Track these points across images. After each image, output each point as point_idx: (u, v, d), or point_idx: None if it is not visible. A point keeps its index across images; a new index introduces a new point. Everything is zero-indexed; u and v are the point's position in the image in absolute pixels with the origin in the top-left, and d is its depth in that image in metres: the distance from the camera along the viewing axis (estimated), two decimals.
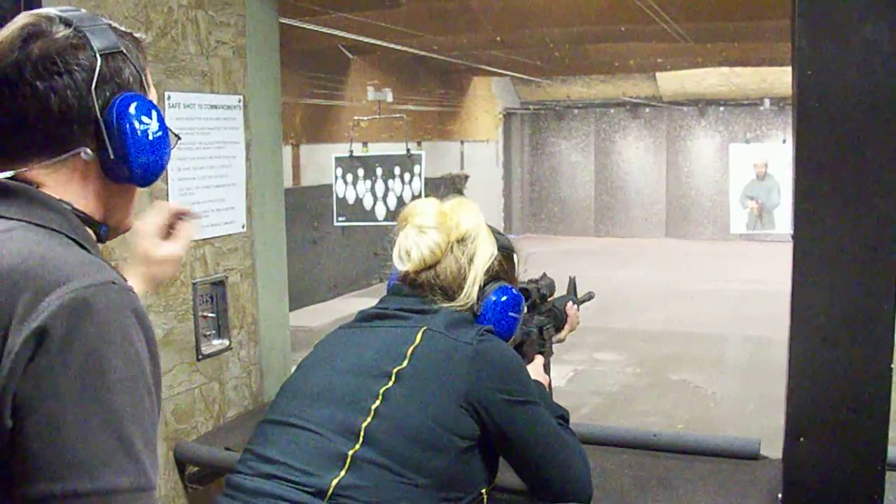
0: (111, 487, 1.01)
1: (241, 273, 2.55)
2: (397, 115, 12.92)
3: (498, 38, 11.01)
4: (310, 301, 11.45)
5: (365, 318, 1.85)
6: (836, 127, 1.56)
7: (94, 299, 1.06)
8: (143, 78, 1.28)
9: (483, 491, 1.74)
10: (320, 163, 11.08)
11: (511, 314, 1.87)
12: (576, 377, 8.28)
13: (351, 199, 6.84)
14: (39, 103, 1.16)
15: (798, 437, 1.66)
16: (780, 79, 15.11)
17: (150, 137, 1.24)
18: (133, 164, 1.23)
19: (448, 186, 14.99)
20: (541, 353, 2.14)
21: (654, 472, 2.14)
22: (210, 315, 2.45)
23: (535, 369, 2.03)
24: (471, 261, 1.84)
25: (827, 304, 1.60)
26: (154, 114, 1.25)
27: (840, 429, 1.63)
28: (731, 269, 14.75)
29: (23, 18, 1.20)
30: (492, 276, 1.87)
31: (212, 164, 2.42)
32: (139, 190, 1.33)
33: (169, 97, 2.25)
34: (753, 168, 13.22)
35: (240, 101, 2.50)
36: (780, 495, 1.72)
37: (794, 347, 1.65)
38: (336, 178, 6.62)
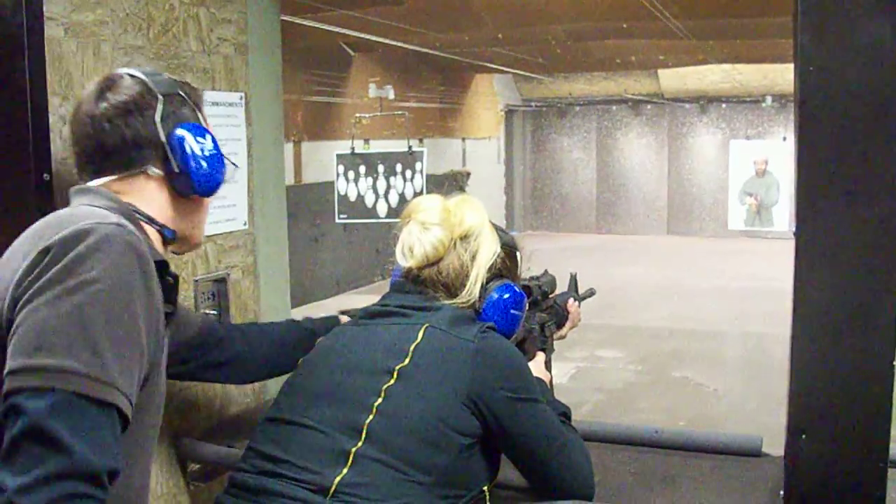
0: (66, 367, 1.23)
1: (243, 270, 2.55)
2: (399, 113, 12.90)
3: (500, 35, 11.00)
4: (312, 298, 11.45)
5: (367, 315, 1.85)
6: (839, 123, 1.56)
7: (95, 230, 1.36)
8: (199, 115, 1.66)
9: (485, 488, 1.74)
10: (322, 160, 11.08)
11: (513, 311, 1.87)
12: (578, 374, 8.28)
13: (353, 197, 6.85)
14: (116, 134, 1.54)
15: (800, 434, 1.66)
16: (781, 75, 15.12)
17: (206, 154, 1.60)
18: (193, 177, 1.59)
19: (452, 185, 15.00)
20: (542, 350, 2.14)
21: (655, 469, 2.14)
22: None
23: (536, 366, 2.03)
24: (473, 258, 1.83)
25: (829, 300, 1.60)
26: (208, 136, 1.62)
27: (842, 426, 1.63)
28: (733, 266, 14.75)
29: (100, 78, 1.62)
30: (495, 273, 1.87)
31: None
32: (206, 208, 1.70)
33: None
34: (753, 165, 13.20)
35: (241, 99, 2.50)
36: (781, 492, 1.72)
37: (795, 344, 1.64)
38: (338, 175, 6.62)
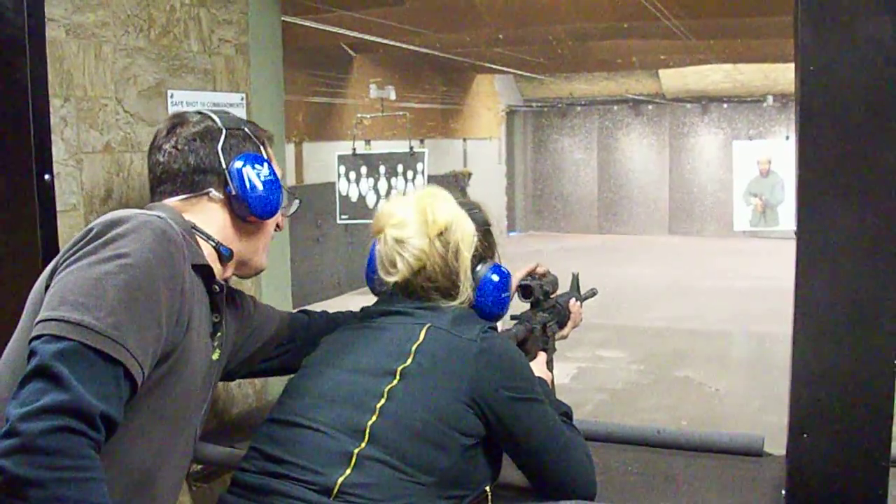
0: (83, 321, 1.35)
1: None
2: (400, 113, 12.90)
3: (501, 36, 11.00)
4: (313, 299, 11.45)
5: (369, 315, 1.85)
6: (840, 123, 1.56)
7: (135, 217, 1.52)
8: (263, 149, 1.83)
9: (487, 488, 1.74)
10: (323, 161, 11.09)
11: (503, 295, 1.87)
12: (580, 374, 8.28)
13: (354, 197, 6.84)
14: (182, 161, 1.73)
15: (802, 434, 1.66)
16: (783, 75, 15.10)
17: (262, 178, 1.76)
18: (248, 199, 1.74)
19: (453, 185, 14.99)
20: (544, 349, 2.14)
21: (657, 468, 2.13)
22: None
23: (538, 366, 2.02)
24: (456, 253, 1.80)
25: (830, 300, 1.60)
26: (265, 164, 1.79)
27: (844, 425, 1.62)
28: (735, 266, 14.74)
29: (172, 115, 1.85)
30: (478, 256, 1.86)
31: None
32: (267, 233, 1.85)
33: (171, 95, 2.25)
34: (757, 165, 13.19)
35: (242, 100, 2.50)
36: (783, 492, 1.72)
37: (797, 344, 1.64)
38: (339, 175, 6.62)
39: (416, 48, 12.00)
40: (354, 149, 6.68)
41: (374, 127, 12.60)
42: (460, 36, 11.17)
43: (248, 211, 1.75)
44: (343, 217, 6.55)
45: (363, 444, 1.63)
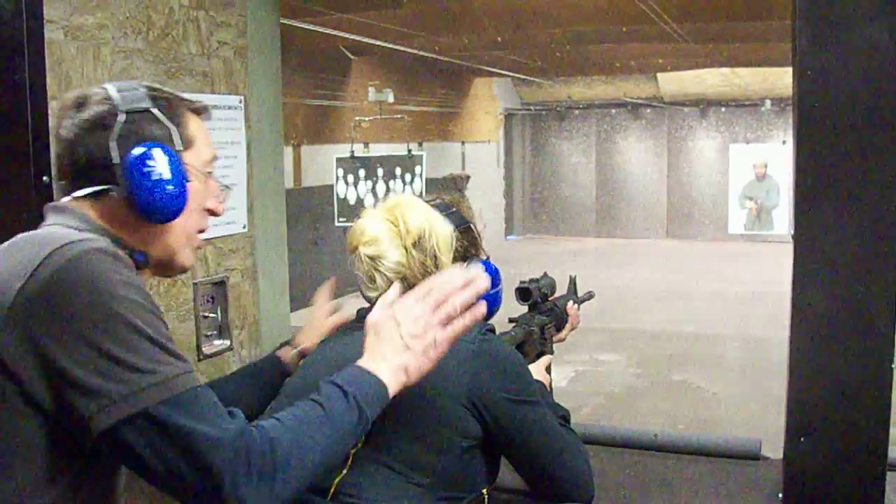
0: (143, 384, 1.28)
1: (243, 273, 2.54)
2: (398, 116, 12.93)
3: (499, 39, 11.01)
4: (311, 302, 11.44)
5: (365, 316, 1.84)
6: (837, 127, 1.56)
7: (62, 254, 1.31)
8: (175, 133, 1.54)
9: (484, 490, 1.74)
10: (321, 163, 11.09)
11: (492, 290, 1.83)
12: (577, 377, 8.28)
13: (352, 200, 6.86)
14: (79, 153, 1.49)
15: (799, 437, 1.66)
16: (780, 79, 15.13)
17: (154, 178, 1.48)
18: (140, 202, 1.48)
19: (451, 188, 14.99)
20: (542, 352, 2.14)
21: (654, 472, 2.14)
22: (211, 315, 2.44)
23: (536, 369, 2.02)
24: (436, 258, 1.77)
25: (827, 303, 1.60)
26: (165, 159, 1.50)
27: (841, 428, 1.63)
28: (733, 270, 14.76)
29: (78, 93, 1.54)
30: (460, 257, 1.83)
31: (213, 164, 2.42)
32: (182, 230, 1.57)
33: None
34: (753, 168, 13.18)
35: (241, 102, 2.50)
36: (780, 495, 1.72)
37: (794, 347, 1.65)
38: (337, 178, 6.62)
39: (415, 51, 12.01)
40: (353, 152, 6.68)
41: (372, 130, 12.62)
42: (459, 39, 11.18)
43: (142, 214, 1.50)
44: (341, 220, 6.55)
45: (360, 445, 1.63)
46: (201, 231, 1.62)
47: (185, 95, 1.60)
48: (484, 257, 1.90)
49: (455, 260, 1.80)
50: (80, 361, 1.25)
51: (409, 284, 1.74)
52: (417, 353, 1.55)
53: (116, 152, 1.47)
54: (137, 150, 1.48)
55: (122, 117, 1.49)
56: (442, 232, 1.79)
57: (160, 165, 1.49)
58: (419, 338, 1.55)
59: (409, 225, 1.77)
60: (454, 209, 1.88)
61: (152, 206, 1.48)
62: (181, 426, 1.27)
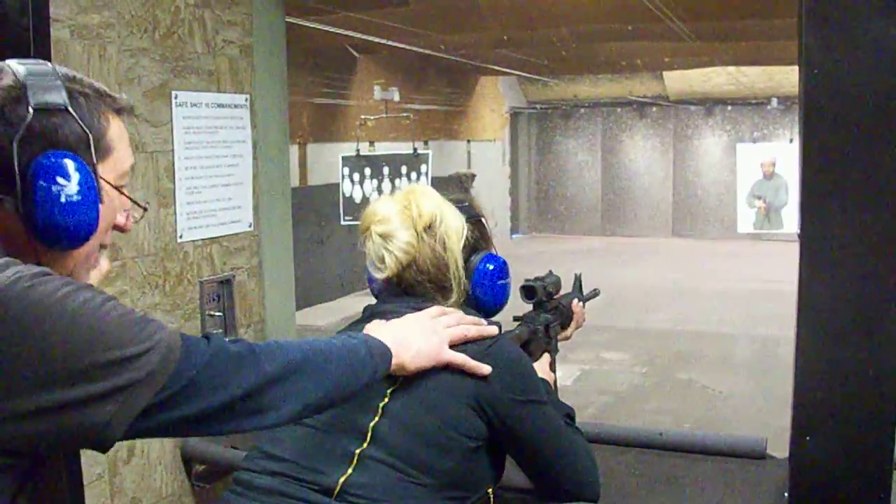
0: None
1: (248, 272, 2.55)
2: (404, 115, 12.93)
3: (505, 38, 11.00)
4: (316, 300, 11.45)
5: (372, 315, 1.85)
6: (844, 125, 1.56)
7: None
8: (95, 138, 1.28)
9: (489, 490, 1.74)
10: (327, 162, 11.09)
11: (500, 282, 1.86)
12: (583, 376, 8.27)
13: (358, 198, 6.85)
14: None
15: (805, 436, 1.66)
16: (787, 77, 15.09)
17: (63, 199, 1.23)
18: (40, 224, 1.23)
19: (457, 187, 15.00)
20: (547, 351, 2.14)
21: (660, 471, 2.13)
22: (217, 314, 2.45)
23: (541, 367, 2.02)
24: (445, 245, 1.79)
25: (834, 302, 1.60)
26: (77, 176, 1.23)
27: (847, 428, 1.62)
28: (739, 269, 14.73)
29: None
30: (470, 248, 1.84)
31: (219, 163, 2.43)
32: (83, 254, 1.32)
33: (176, 96, 2.25)
34: (761, 167, 13.19)
35: (247, 100, 2.50)
36: (786, 494, 1.72)
37: (800, 346, 1.64)
38: (343, 177, 6.62)
39: (421, 50, 12.00)
40: (358, 150, 6.69)
41: (377, 128, 12.62)
42: (464, 38, 11.16)
43: (35, 237, 1.24)
44: (346, 218, 6.55)
45: (365, 445, 1.63)
46: (103, 247, 1.38)
47: (106, 90, 1.35)
48: (493, 251, 1.91)
49: (465, 251, 1.82)
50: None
51: (417, 268, 1.77)
52: (428, 333, 1.62)
53: (17, 156, 1.21)
54: (46, 160, 1.22)
55: (30, 112, 1.22)
56: (453, 221, 1.81)
57: (71, 184, 1.23)
58: (437, 321, 1.66)
59: (422, 209, 1.79)
60: (467, 203, 1.91)
61: (54, 231, 1.24)
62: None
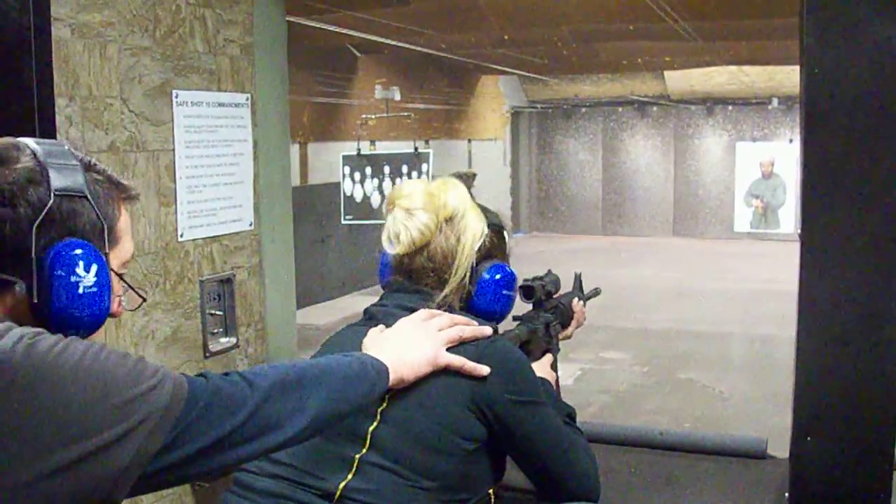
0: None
1: (249, 271, 2.55)
2: (405, 114, 12.93)
3: (506, 37, 11.00)
4: (317, 299, 11.46)
5: (371, 317, 1.85)
6: (844, 125, 1.56)
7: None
8: (108, 227, 1.29)
9: (490, 491, 1.74)
10: (328, 161, 11.09)
11: (505, 292, 1.86)
12: (583, 376, 8.28)
13: (358, 198, 6.85)
14: None
15: (805, 436, 1.66)
16: (788, 77, 15.09)
17: (80, 291, 1.23)
18: (53, 313, 1.23)
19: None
20: (547, 350, 2.13)
21: (660, 470, 2.14)
22: (217, 313, 2.45)
23: (542, 367, 2.02)
24: (459, 239, 1.81)
25: (834, 302, 1.60)
26: (94, 268, 1.24)
27: (847, 428, 1.62)
28: (739, 268, 14.73)
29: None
30: (484, 254, 1.85)
31: (219, 161, 2.42)
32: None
33: (176, 95, 2.25)
34: (759, 167, 13.17)
35: (247, 100, 2.50)
36: (786, 494, 1.72)
37: (801, 346, 1.64)
38: (344, 176, 6.62)
39: (422, 49, 12.00)
40: (359, 149, 6.68)
41: (378, 128, 12.62)
42: (465, 37, 11.17)
43: (49, 326, 1.22)
44: (347, 217, 6.56)
45: (364, 450, 1.63)
46: None
47: (119, 179, 1.35)
48: (507, 264, 1.91)
49: (478, 255, 1.83)
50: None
51: (427, 255, 1.79)
52: (422, 340, 1.64)
53: (35, 241, 1.19)
54: (66, 249, 1.22)
55: (51, 198, 1.20)
56: (474, 220, 1.83)
57: (89, 276, 1.23)
58: (430, 324, 1.67)
59: (448, 201, 1.81)
60: (494, 214, 1.93)
61: (68, 320, 1.24)
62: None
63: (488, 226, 1.86)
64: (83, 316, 1.25)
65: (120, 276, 1.34)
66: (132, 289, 1.39)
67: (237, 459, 1.29)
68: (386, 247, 1.85)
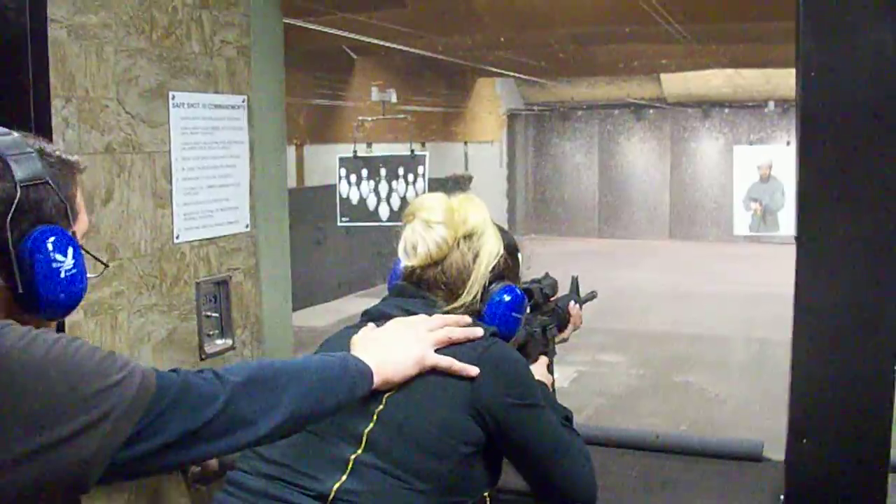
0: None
1: (245, 273, 2.55)
2: (401, 116, 12.92)
3: (502, 39, 11.01)
4: (313, 301, 11.45)
5: (371, 318, 1.84)
6: (840, 128, 1.56)
7: None
8: (70, 206, 1.32)
9: (486, 494, 1.74)
10: (324, 163, 11.09)
11: (514, 315, 1.86)
12: (579, 378, 8.28)
13: (354, 200, 6.84)
14: None
15: (801, 439, 1.66)
16: (784, 80, 15.10)
17: (63, 275, 1.27)
18: (41, 300, 1.26)
19: (454, 189, 15.00)
20: (544, 353, 2.13)
21: (656, 473, 2.14)
22: (213, 315, 2.44)
23: (538, 370, 2.02)
24: (476, 257, 1.82)
25: (830, 305, 1.60)
26: (70, 250, 1.29)
27: (843, 431, 1.62)
28: (736, 271, 14.75)
29: None
30: (496, 274, 1.85)
31: (216, 163, 2.42)
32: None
33: (173, 97, 2.25)
34: (757, 170, 13.19)
35: (244, 101, 2.50)
36: (782, 497, 1.72)
37: (797, 349, 1.64)
38: (340, 178, 6.62)
39: (418, 51, 12.01)
40: (356, 151, 6.68)
41: (375, 130, 12.61)
42: (462, 39, 11.17)
43: (37, 312, 1.28)
44: (343, 219, 6.55)
45: (360, 451, 1.62)
46: None
47: (68, 157, 1.38)
48: (518, 284, 1.91)
49: (493, 271, 1.84)
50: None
51: (442, 269, 1.81)
52: (409, 342, 1.64)
53: (10, 237, 1.23)
54: (40, 236, 1.25)
55: (18, 190, 1.23)
56: (491, 240, 1.85)
57: (67, 259, 1.28)
58: (419, 326, 1.68)
59: (468, 218, 1.83)
60: (511, 235, 1.95)
61: (54, 304, 1.28)
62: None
63: (504, 247, 1.87)
64: (68, 297, 1.30)
65: (82, 248, 1.36)
66: (94, 257, 1.42)
67: (208, 454, 1.31)
68: (401, 257, 1.86)
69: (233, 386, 1.33)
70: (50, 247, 1.26)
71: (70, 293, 1.30)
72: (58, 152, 1.35)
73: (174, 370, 1.31)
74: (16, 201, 1.22)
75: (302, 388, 1.42)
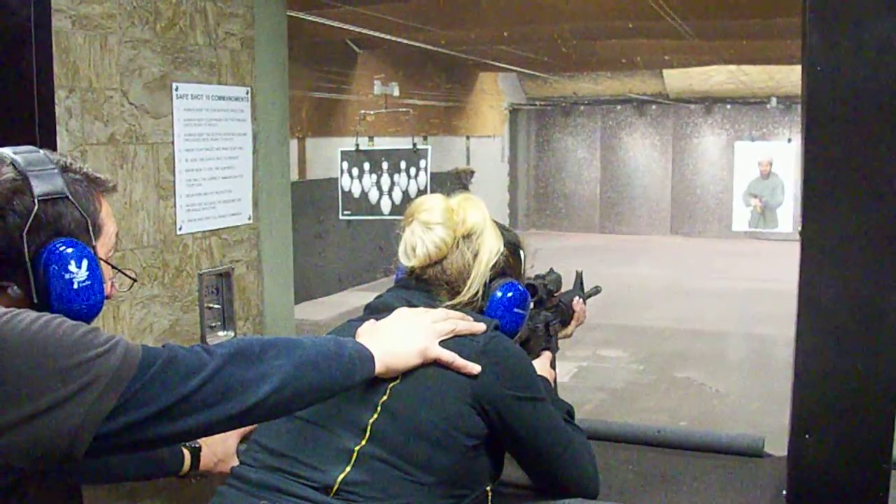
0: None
1: (247, 265, 2.55)
2: (403, 110, 12.91)
3: (505, 34, 11.00)
4: (315, 294, 11.46)
5: (373, 311, 1.85)
6: (846, 124, 1.56)
7: None
8: (91, 221, 1.38)
9: (488, 487, 1.74)
10: (326, 156, 11.08)
11: (517, 310, 1.86)
12: (580, 373, 8.28)
13: (356, 193, 6.85)
14: None
15: (803, 434, 1.66)
16: (787, 77, 15.09)
17: (76, 286, 1.33)
18: (54, 310, 1.30)
19: (456, 183, 15.01)
20: (547, 348, 2.14)
21: (657, 468, 2.14)
22: (215, 306, 2.44)
23: (540, 365, 2.02)
24: (476, 256, 1.82)
25: (834, 300, 1.60)
26: (85, 262, 1.34)
27: (845, 426, 1.62)
28: (736, 267, 14.75)
29: None
30: (498, 271, 1.86)
31: (219, 155, 2.42)
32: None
33: (176, 88, 2.25)
34: (758, 166, 13.16)
35: (247, 93, 2.50)
36: (784, 492, 1.72)
37: (800, 344, 1.64)
38: (342, 171, 6.62)
39: (421, 45, 11.99)
40: (357, 145, 6.68)
41: (377, 123, 12.60)
42: (465, 33, 11.16)
43: None
44: (345, 213, 6.56)
45: (364, 442, 1.62)
46: None
47: (96, 174, 1.44)
48: (520, 283, 1.91)
49: (494, 268, 1.84)
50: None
51: (442, 268, 1.81)
52: (414, 332, 1.64)
53: (27, 246, 1.29)
54: (55, 249, 1.31)
55: (35, 204, 1.30)
56: (491, 238, 1.85)
57: (81, 271, 1.33)
58: (424, 318, 1.68)
59: (467, 218, 1.83)
60: (513, 233, 1.95)
61: (69, 314, 1.30)
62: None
63: (505, 244, 1.87)
64: (81, 308, 1.35)
65: (108, 262, 1.43)
66: (120, 271, 1.50)
67: (197, 425, 1.31)
68: (402, 259, 1.86)
69: (220, 356, 1.33)
70: (64, 259, 1.31)
71: (83, 304, 1.34)
72: (85, 169, 1.41)
73: (164, 345, 1.32)
74: (32, 215, 1.29)
75: (293, 361, 1.42)
